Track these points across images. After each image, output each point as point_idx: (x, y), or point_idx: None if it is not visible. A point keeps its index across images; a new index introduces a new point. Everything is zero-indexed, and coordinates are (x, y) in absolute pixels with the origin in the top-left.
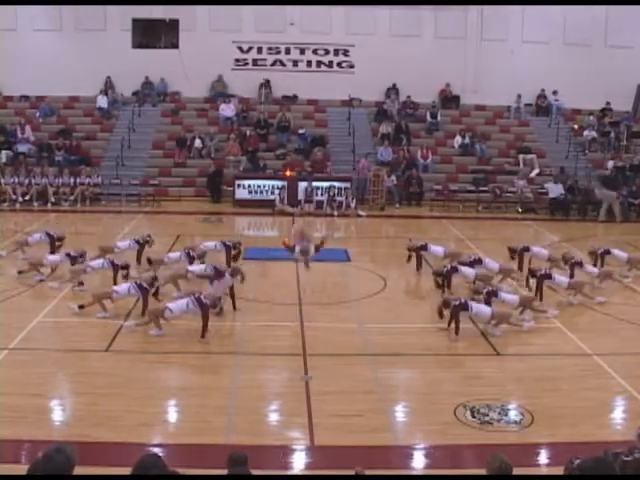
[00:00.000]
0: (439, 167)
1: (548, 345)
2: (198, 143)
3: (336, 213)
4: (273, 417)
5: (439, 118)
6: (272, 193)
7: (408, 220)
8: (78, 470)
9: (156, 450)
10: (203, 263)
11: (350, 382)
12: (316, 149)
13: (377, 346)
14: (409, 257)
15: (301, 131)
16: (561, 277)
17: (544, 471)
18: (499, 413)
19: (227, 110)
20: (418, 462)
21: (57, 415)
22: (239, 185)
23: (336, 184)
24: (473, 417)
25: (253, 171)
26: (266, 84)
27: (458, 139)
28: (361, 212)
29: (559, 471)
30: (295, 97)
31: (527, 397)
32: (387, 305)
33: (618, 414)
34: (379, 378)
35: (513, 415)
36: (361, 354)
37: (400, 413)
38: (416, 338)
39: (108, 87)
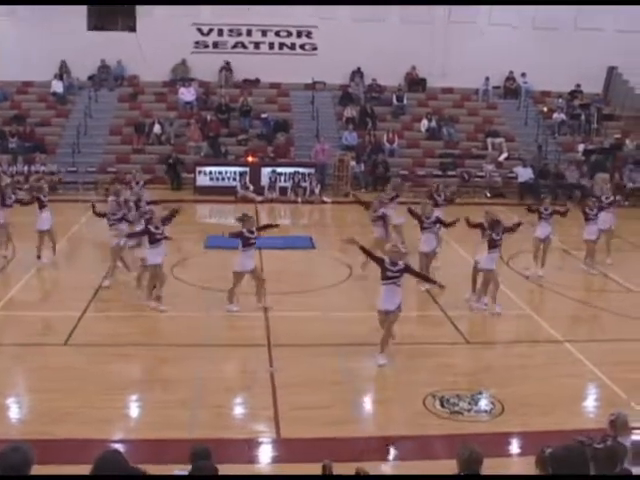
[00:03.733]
0: (406, 151)
1: (518, 332)
2: (157, 129)
3: (300, 199)
4: (238, 410)
5: (405, 101)
6: (234, 180)
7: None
8: (37, 469)
9: (117, 446)
10: None
11: (316, 373)
12: (279, 134)
13: (344, 336)
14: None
15: (263, 115)
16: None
17: (515, 461)
18: (469, 403)
19: (187, 94)
20: (387, 454)
21: (14, 412)
22: (200, 172)
23: (300, 170)
24: (443, 407)
25: (214, 157)
26: (227, 67)
27: (425, 123)
28: (326, 198)
29: (531, 460)
30: (257, 80)
31: (497, 386)
32: (353, 293)
33: (590, 402)
34: (346, 368)
35: (483, 404)
36: (327, 344)
37: (368, 404)
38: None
39: (63, 71)
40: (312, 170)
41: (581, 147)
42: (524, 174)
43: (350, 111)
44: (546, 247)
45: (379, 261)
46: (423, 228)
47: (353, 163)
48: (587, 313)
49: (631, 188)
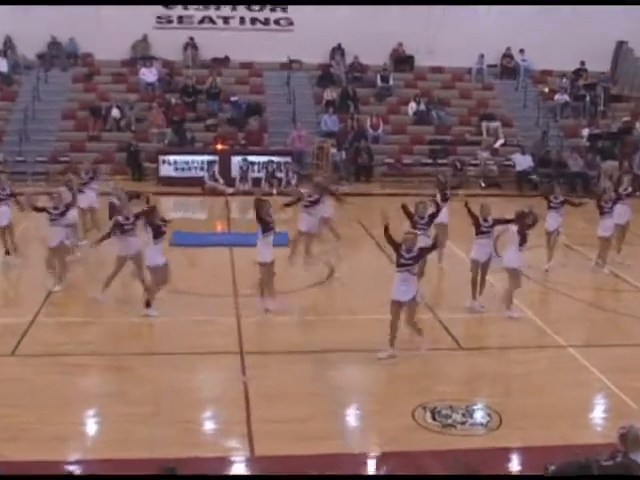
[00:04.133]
0: (391, 138)
1: (517, 337)
2: (116, 113)
3: (275, 191)
4: (208, 425)
5: (391, 82)
6: (201, 170)
7: (357, 198)
8: None
9: (72, 468)
10: None
11: (294, 383)
12: (251, 119)
13: (324, 342)
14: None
15: (234, 98)
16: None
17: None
18: (463, 415)
19: (149, 75)
20: (372, 472)
21: None
22: (164, 161)
23: (275, 159)
24: (434, 420)
25: (179, 145)
26: (193, 44)
27: (413, 106)
28: (304, 191)
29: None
30: (227, 59)
31: (494, 396)
32: (334, 295)
33: (597, 413)
34: (327, 378)
35: (479, 416)
36: (306, 351)
37: (351, 417)
38: (368, 332)
39: (7, 47)
40: (288, 159)
41: (586, 132)
42: (523, 162)
43: (330, 93)
44: (555, 240)
45: (395, 246)
46: (416, 229)
47: (333, 151)
48: (593, 315)
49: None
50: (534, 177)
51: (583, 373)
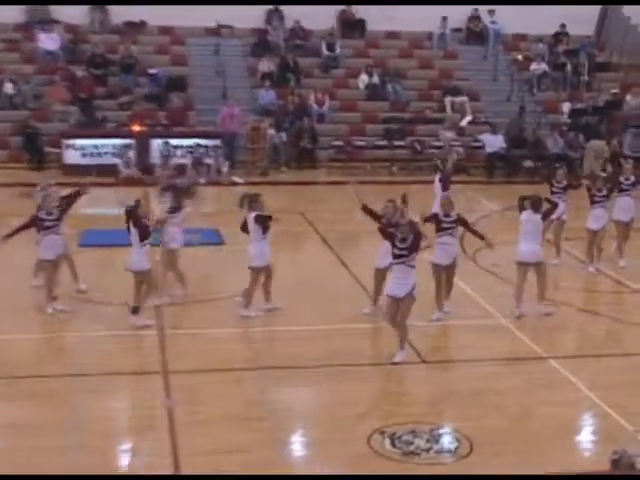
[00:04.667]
0: (339, 116)
1: (489, 348)
2: (9, 88)
3: (203, 180)
4: (125, 459)
5: (338, 50)
6: (115, 156)
7: (299, 188)
8: None
9: None
10: None
11: (230, 406)
12: (174, 95)
13: (265, 357)
14: None
15: (152, 71)
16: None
17: None
18: (427, 440)
19: (48, 42)
20: None
21: None
22: (68, 146)
23: (202, 142)
24: (394, 447)
25: (88, 126)
26: (101, 5)
27: (364, 78)
28: (237, 179)
29: None
30: (142, 24)
31: (464, 417)
32: (276, 301)
33: (585, 436)
34: (269, 399)
35: (446, 442)
36: (243, 368)
37: (298, 445)
38: (317, 344)
39: None
40: (218, 142)
41: (567, 106)
42: (493, 143)
43: (266, 64)
44: (559, 230)
45: (389, 236)
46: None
47: (271, 132)
48: (578, 321)
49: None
50: (529, 163)
51: (568, 389)
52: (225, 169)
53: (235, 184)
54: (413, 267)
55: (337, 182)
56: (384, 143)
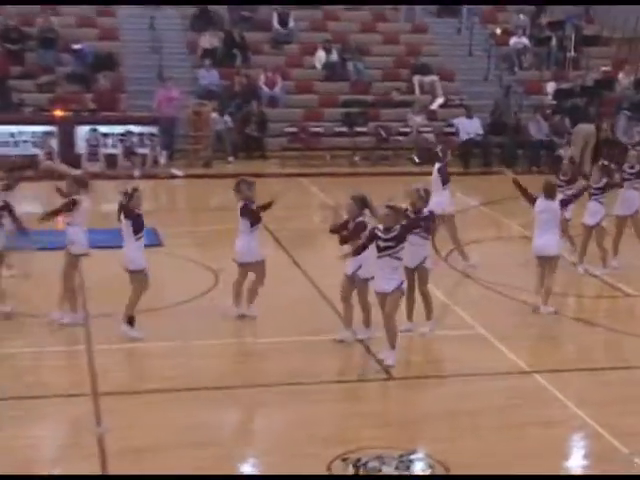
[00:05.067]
0: (294, 99)
1: (466, 361)
2: None
3: (137, 173)
4: None
5: (292, 24)
6: (34, 145)
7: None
8: None
9: None
10: None
11: (171, 431)
12: (102, 75)
13: (211, 375)
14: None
15: (77, 46)
16: None
17: None
18: (397, 467)
19: None
20: None
21: None
22: None
23: (135, 129)
24: (358, 475)
25: (2, 110)
26: None
27: (321, 55)
28: (176, 171)
29: None
30: None
31: (438, 440)
32: (219, 312)
33: (575, 460)
34: (214, 422)
35: (418, 468)
36: (186, 388)
37: (249, 474)
38: (270, 360)
39: None
40: (154, 129)
41: (551, 86)
42: (469, 128)
43: (209, 39)
44: (565, 225)
45: (369, 237)
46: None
47: (215, 116)
48: (565, 330)
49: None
50: (560, 152)
51: (554, 407)
52: (162, 160)
53: (174, 177)
54: (400, 259)
55: (291, 174)
56: (344, 129)
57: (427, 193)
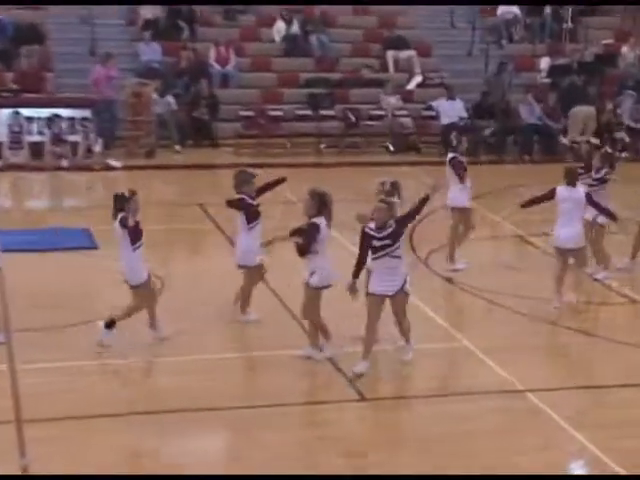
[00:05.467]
0: (249, 77)
1: (450, 378)
2: None
3: (66, 164)
4: None
5: None
6: None
7: (196, 173)
8: None
9: None
10: None
11: (102, 462)
12: (24, 50)
13: (160, 396)
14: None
15: None
16: None
17: None
18: None
19: None
20: None
21: None
22: None
23: (65, 112)
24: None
25: None
26: None
27: (280, 27)
28: (114, 162)
29: None
30: None
31: (418, 470)
32: (170, 324)
33: None
34: (154, 453)
35: None
36: (129, 412)
37: None
38: (225, 379)
39: None
40: (87, 112)
41: (545, 62)
42: (450, 111)
43: (150, 9)
44: (600, 237)
45: (363, 241)
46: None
47: (155, 97)
48: (562, 342)
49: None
50: (584, 141)
51: (550, 429)
52: (97, 149)
53: (111, 169)
54: (399, 257)
55: (248, 165)
56: (308, 113)
57: (395, 188)
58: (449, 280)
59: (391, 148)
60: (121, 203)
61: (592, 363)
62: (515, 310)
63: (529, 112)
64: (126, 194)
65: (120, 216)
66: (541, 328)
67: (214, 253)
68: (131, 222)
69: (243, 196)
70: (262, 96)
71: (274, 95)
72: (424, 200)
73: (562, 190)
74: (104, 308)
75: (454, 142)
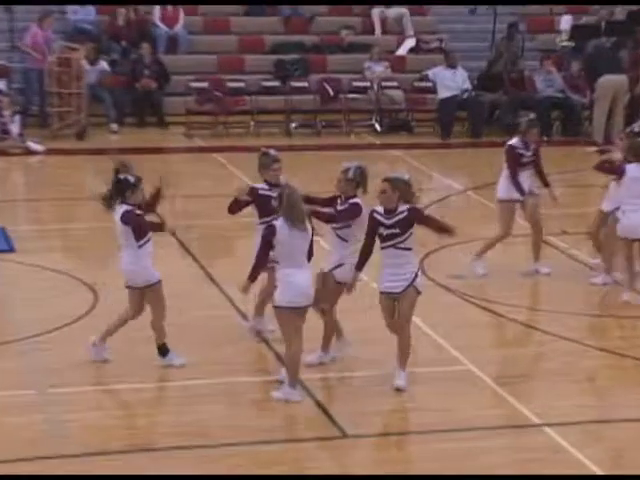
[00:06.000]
0: (201, 40)
1: (452, 410)
2: None
3: None
4: None
5: None
6: None
7: (139, 158)
8: None
9: None
10: None
11: None
12: None
13: (83, 435)
14: None
15: None
16: None
17: None
18: None
19: None
20: None
21: None
22: None
23: None
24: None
25: None
26: None
27: None
28: (35, 145)
29: None
30: None
31: None
32: (118, 341)
33: None
34: None
35: None
36: (43, 456)
37: None
38: (178, 412)
39: None
40: (1, 83)
41: (566, 21)
42: (450, 82)
43: None
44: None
45: (369, 223)
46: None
47: (86, 65)
48: (583, 364)
49: None
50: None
51: (573, 471)
52: (15, 129)
53: (32, 153)
54: (409, 249)
55: (202, 149)
56: (275, 84)
57: (360, 176)
58: (448, 289)
59: (378, 127)
60: (122, 190)
61: (623, 391)
62: (531, 326)
63: (546, 83)
64: (130, 178)
65: (123, 210)
66: (563, 348)
67: (162, 256)
68: (138, 218)
69: (254, 185)
70: (219, 64)
71: (233, 62)
72: (446, 230)
73: (633, 168)
74: (21, 326)
75: (524, 128)
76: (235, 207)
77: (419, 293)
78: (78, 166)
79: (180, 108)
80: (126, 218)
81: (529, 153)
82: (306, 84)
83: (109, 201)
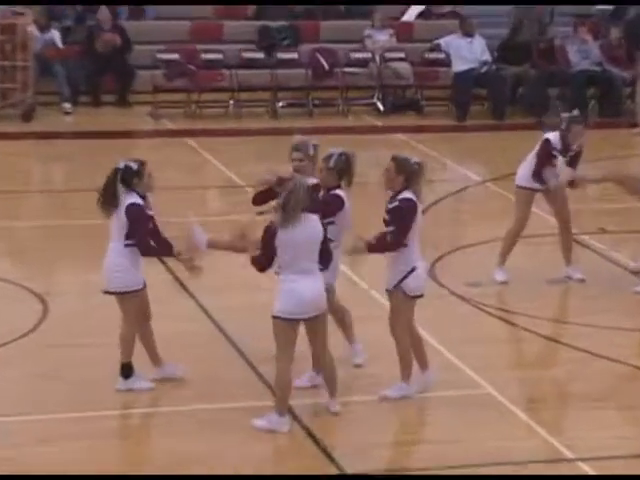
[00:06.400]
0: (172, 10)
1: (471, 441)
2: None
3: None
4: None
5: None
6: None
7: (97, 144)
8: None
9: None
10: None
11: None
12: None
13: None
14: None
15: None
16: None
17: None
18: None
19: None
20: None
21: None
22: None
23: None
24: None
25: None
26: None
27: None
28: None
29: None
30: None
31: None
32: (50, 366)
33: None
34: None
35: None
36: None
37: None
38: (147, 443)
39: None
40: None
41: None
42: (467, 53)
43: None
44: None
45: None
46: None
47: (34, 32)
48: (620, 387)
49: None
50: None
51: None
52: None
53: None
54: (404, 246)
55: (174, 132)
56: (259, 56)
57: (347, 164)
58: (463, 299)
59: (380, 107)
60: (130, 179)
61: None
62: (559, 341)
63: (581, 54)
64: (133, 165)
65: (129, 202)
66: (597, 367)
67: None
68: (145, 223)
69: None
70: (192, 31)
71: (209, 30)
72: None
73: None
74: None
75: (564, 124)
76: (260, 198)
77: (408, 296)
78: (24, 152)
79: (146, 84)
80: (131, 214)
81: (566, 157)
82: (296, 56)
83: (109, 204)
